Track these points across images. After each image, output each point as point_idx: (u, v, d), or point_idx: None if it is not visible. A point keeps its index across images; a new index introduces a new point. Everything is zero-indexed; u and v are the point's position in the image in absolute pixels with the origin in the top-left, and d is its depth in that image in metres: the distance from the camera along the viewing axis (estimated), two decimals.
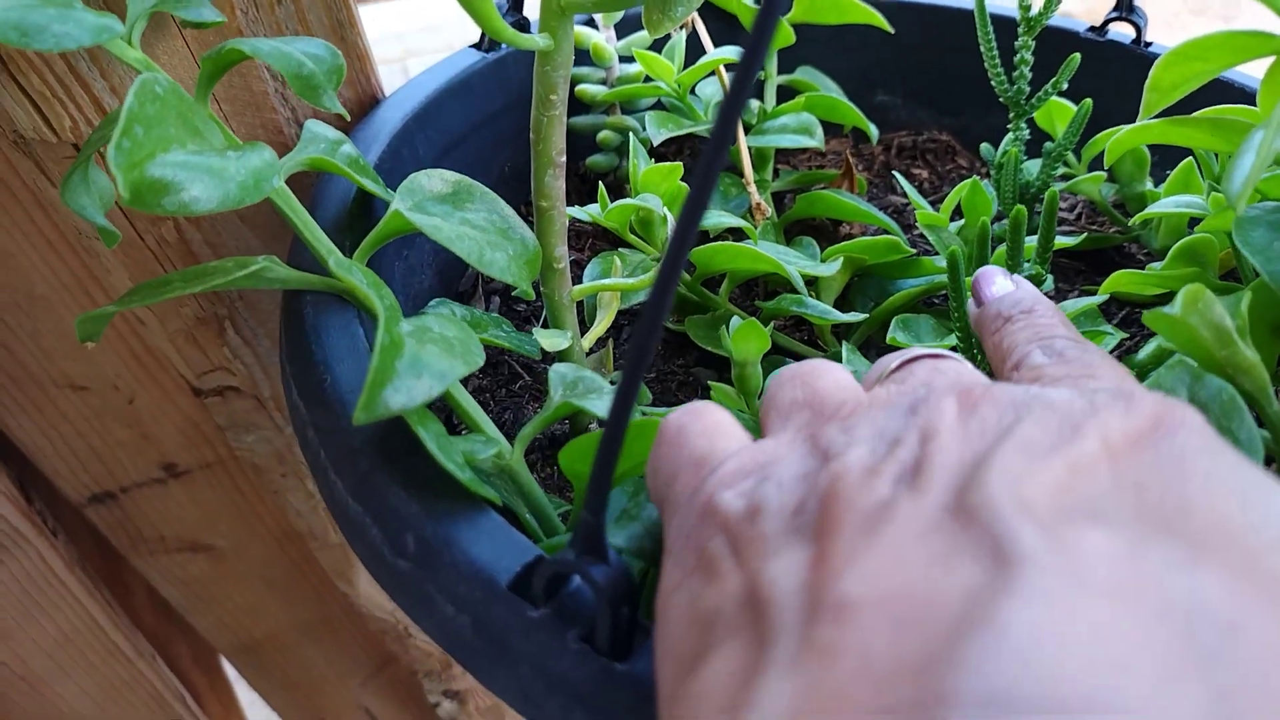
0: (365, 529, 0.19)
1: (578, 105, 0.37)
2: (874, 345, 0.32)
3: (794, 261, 0.30)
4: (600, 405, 0.22)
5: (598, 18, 0.36)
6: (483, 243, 0.23)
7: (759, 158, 0.36)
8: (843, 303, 0.33)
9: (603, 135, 0.32)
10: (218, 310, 0.40)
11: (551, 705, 0.17)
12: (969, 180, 0.32)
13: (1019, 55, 0.34)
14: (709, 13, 0.39)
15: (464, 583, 0.17)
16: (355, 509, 0.19)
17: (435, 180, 0.24)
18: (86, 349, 0.43)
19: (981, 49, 0.34)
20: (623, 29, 0.38)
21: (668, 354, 0.31)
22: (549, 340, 0.23)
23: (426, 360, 0.18)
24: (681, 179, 0.29)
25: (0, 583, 0.47)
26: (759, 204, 0.33)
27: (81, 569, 0.52)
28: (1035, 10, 0.34)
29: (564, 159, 0.25)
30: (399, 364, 0.17)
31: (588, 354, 0.28)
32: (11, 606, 0.48)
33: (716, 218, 0.32)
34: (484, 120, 0.34)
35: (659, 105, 0.37)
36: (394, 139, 0.30)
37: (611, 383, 0.27)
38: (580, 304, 0.31)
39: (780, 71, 0.40)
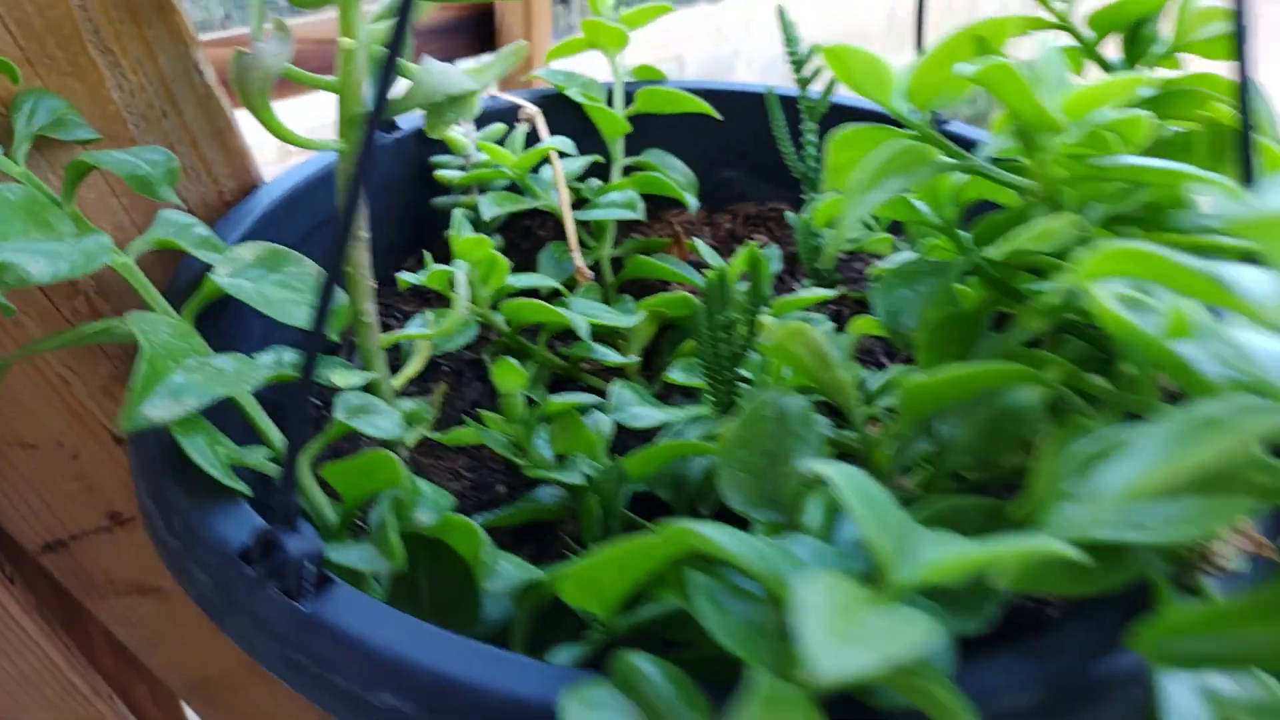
0: (154, 519, 0.24)
1: (440, 188, 0.43)
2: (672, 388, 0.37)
3: (597, 315, 0.36)
4: (370, 427, 0.27)
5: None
6: (292, 299, 0.29)
7: (598, 228, 0.42)
8: (653, 349, 0.38)
9: (456, 214, 0.38)
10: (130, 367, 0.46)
11: (259, 642, 0.21)
12: (749, 246, 0.37)
13: (805, 136, 0.40)
14: (558, 107, 0.46)
15: (209, 553, 0.23)
16: (149, 504, 0.25)
17: (248, 250, 0.29)
18: (33, 411, 0.49)
19: (775, 134, 0.40)
20: (483, 122, 0.44)
21: (462, 387, 0.36)
22: (339, 377, 0.29)
23: (188, 384, 0.23)
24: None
25: None
26: (579, 268, 0.38)
27: (39, 613, 0.57)
28: (816, 97, 0.39)
29: (367, 235, 0.31)
30: (158, 388, 0.23)
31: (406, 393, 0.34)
32: None
33: (540, 280, 0.38)
34: (374, 186, 0.40)
35: (513, 186, 0.43)
36: (259, 221, 0.36)
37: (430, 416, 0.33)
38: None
39: (632, 153, 0.46)
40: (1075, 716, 0.20)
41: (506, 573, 0.24)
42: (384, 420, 0.28)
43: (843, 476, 0.17)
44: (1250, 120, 0.26)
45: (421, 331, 0.32)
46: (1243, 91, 0.22)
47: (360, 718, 0.20)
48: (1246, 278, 0.15)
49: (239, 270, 0.29)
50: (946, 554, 0.16)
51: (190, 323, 0.28)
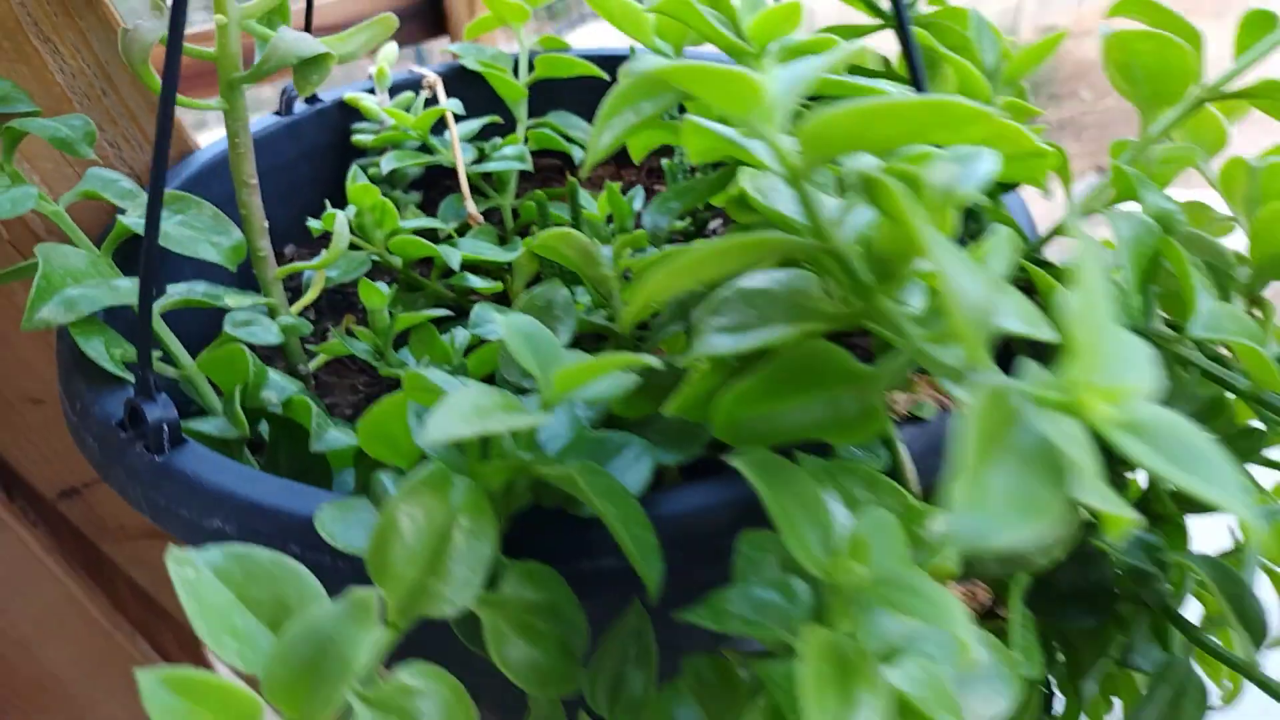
0: (64, 404, 0.31)
1: (361, 153, 0.49)
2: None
3: (480, 252, 0.41)
4: (252, 336, 0.33)
5: (374, 84, 0.48)
6: (192, 236, 0.35)
7: (500, 181, 0.48)
8: (534, 283, 0.44)
9: (353, 168, 0.44)
10: None
11: (130, 487, 0.27)
12: (610, 187, 0.42)
13: None
14: (474, 79, 0.51)
15: (96, 424, 0.29)
16: (61, 393, 0.31)
17: None
18: (38, 369, 0.56)
19: None
20: (398, 92, 0.50)
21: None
22: (231, 299, 0.35)
23: (81, 297, 0.29)
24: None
25: None
26: (471, 214, 0.44)
27: (60, 553, 0.64)
28: None
29: (255, 181, 0.37)
30: (54, 297, 0.29)
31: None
32: (1, 583, 0.61)
33: (428, 223, 0.43)
34: (277, 167, 0.46)
35: (423, 148, 0.48)
36: (187, 181, 0.42)
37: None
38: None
39: (535, 115, 0.51)
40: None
41: (332, 437, 0.29)
42: (264, 331, 0.33)
43: (509, 323, 0.22)
44: (953, 42, 0.31)
45: (304, 264, 0.38)
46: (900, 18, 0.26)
47: (196, 539, 0.26)
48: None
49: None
50: (569, 366, 0.21)
51: (108, 259, 0.34)
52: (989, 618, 0.28)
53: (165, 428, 0.27)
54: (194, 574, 0.19)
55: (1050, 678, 0.30)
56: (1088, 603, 0.30)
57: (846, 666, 0.18)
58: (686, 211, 0.45)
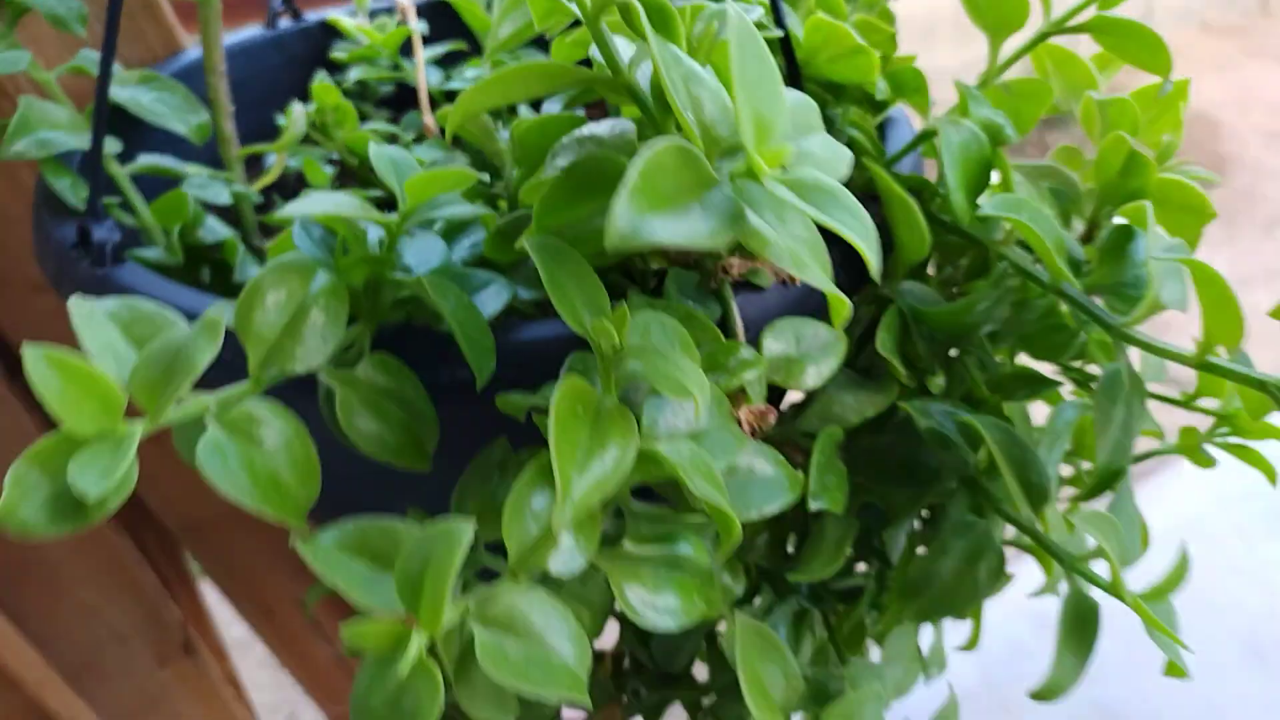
0: (35, 237, 0.36)
1: (339, 69, 0.53)
2: None
3: (427, 156, 0.46)
4: (206, 195, 0.38)
5: (353, 6, 0.53)
6: (169, 115, 0.40)
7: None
8: None
9: (318, 74, 0.48)
10: None
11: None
12: None
13: None
14: (442, 10, 0.56)
15: (56, 248, 0.33)
16: (33, 231, 0.36)
17: (134, 75, 0.40)
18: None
19: None
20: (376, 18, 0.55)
21: None
22: (193, 169, 0.39)
23: (54, 138, 0.34)
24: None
25: None
26: (426, 124, 0.49)
27: (41, 415, 0.69)
28: None
29: (223, 69, 0.41)
30: (26, 135, 0.34)
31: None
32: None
33: (392, 129, 0.48)
34: (259, 74, 0.51)
35: (396, 67, 0.53)
36: (173, 74, 0.47)
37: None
38: None
39: None
40: None
41: (250, 271, 0.34)
42: (216, 193, 0.38)
43: (379, 153, 0.27)
44: None
45: (265, 145, 0.42)
46: None
47: None
48: None
49: (124, 86, 0.40)
50: (418, 175, 0.25)
51: (85, 120, 0.39)
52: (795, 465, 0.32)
53: (109, 246, 0.32)
54: (90, 311, 0.23)
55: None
56: (906, 472, 0.33)
57: (600, 415, 0.23)
58: None
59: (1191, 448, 0.38)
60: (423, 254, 0.29)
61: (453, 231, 0.31)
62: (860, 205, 0.20)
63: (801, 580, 0.32)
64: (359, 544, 0.23)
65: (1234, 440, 0.38)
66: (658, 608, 0.25)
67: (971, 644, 0.41)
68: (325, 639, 0.93)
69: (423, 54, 0.50)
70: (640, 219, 0.18)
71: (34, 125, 0.34)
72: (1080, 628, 0.29)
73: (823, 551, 0.32)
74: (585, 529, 0.24)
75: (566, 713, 0.43)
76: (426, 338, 0.29)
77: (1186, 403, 0.37)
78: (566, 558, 0.23)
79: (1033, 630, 1.51)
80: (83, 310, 0.23)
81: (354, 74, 0.49)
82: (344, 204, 0.24)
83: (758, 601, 0.35)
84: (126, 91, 0.39)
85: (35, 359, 0.20)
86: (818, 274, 0.21)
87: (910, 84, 0.36)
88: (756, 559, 0.34)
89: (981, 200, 0.30)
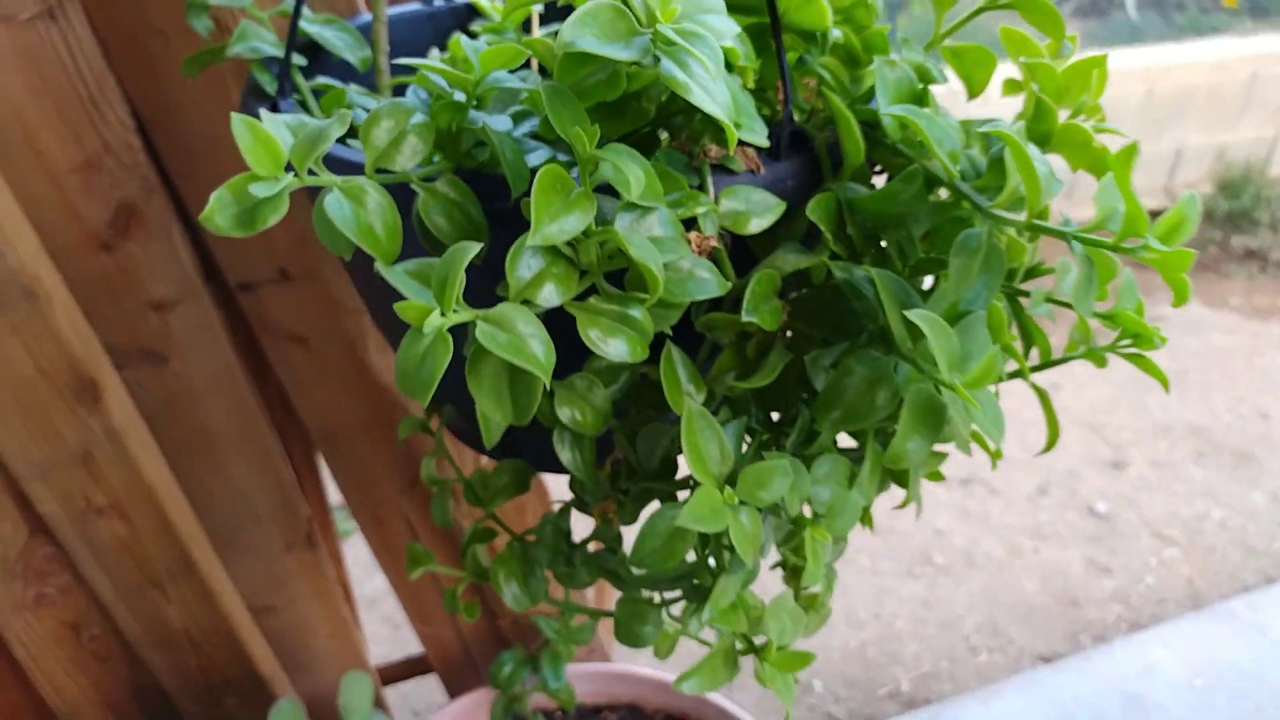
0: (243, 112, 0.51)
1: None
2: None
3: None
4: (360, 102, 0.53)
5: None
6: (344, 48, 0.55)
7: None
8: None
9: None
10: None
11: None
12: None
13: None
14: None
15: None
16: (240, 107, 0.51)
17: (323, 18, 0.55)
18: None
19: None
20: None
21: None
22: (354, 88, 0.54)
23: (256, 45, 0.49)
24: None
25: (183, 317, 0.82)
26: None
27: (231, 333, 0.86)
28: None
29: (385, 19, 0.56)
30: (241, 42, 0.49)
31: None
32: (184, 337, 0.83)
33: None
34: (412, 42, 0.66)
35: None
36: (360, 27, 0.62)
37: None
38: None
39: None
40: None
41: None
42: (367, 103, 0.53)
43: (465, 44, 0.40)
44: None
45: (411, 76, 0.57)
46: None
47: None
48: None
49: (312, 24, 0.55)
50: (486, 51, 0.38)
51: (284, 43, 0.54)
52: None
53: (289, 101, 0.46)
54: (273, 117, 0.37)
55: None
56: (834, 320, 0.44)
57: (572, 193, 0.35)
58: None
59: (1092, 353, 0.47)
60: (494, 122, 0.42)
61: (519, 118, 0.44)
62: (721, 54, 0.32)
63: (741, 386, 0.42)
64: (418, 272, 0.36)
65: (1130, 349, 0.47)
66: (608, 346, 0.36)
67: (903, 504, 0.50)
68: None
69: (538, 29, 0.64)
70: (579, 36, 0.30)
71: (249, 38, 0.50)
72: (928, 414, 0.38)
73: (763, 369, 0.42)
74: (563, 281, 0.36)
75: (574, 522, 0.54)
76: (489, 179, 0.41)
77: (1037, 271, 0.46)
78: (547, 294, 0.35)
79: (1123, 710, 1.51)
80: (269, 116, 0.37)
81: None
82: (438, 69, 0.37)
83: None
84: (314, 27, 0.55)
85: (238, 122, 0.34)
86: (713, 107, 0.33)
87: (879, 47, 0.47)
88: (721, 389, 0.45)
89: (895, 108, 0.41)
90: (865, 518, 0.60)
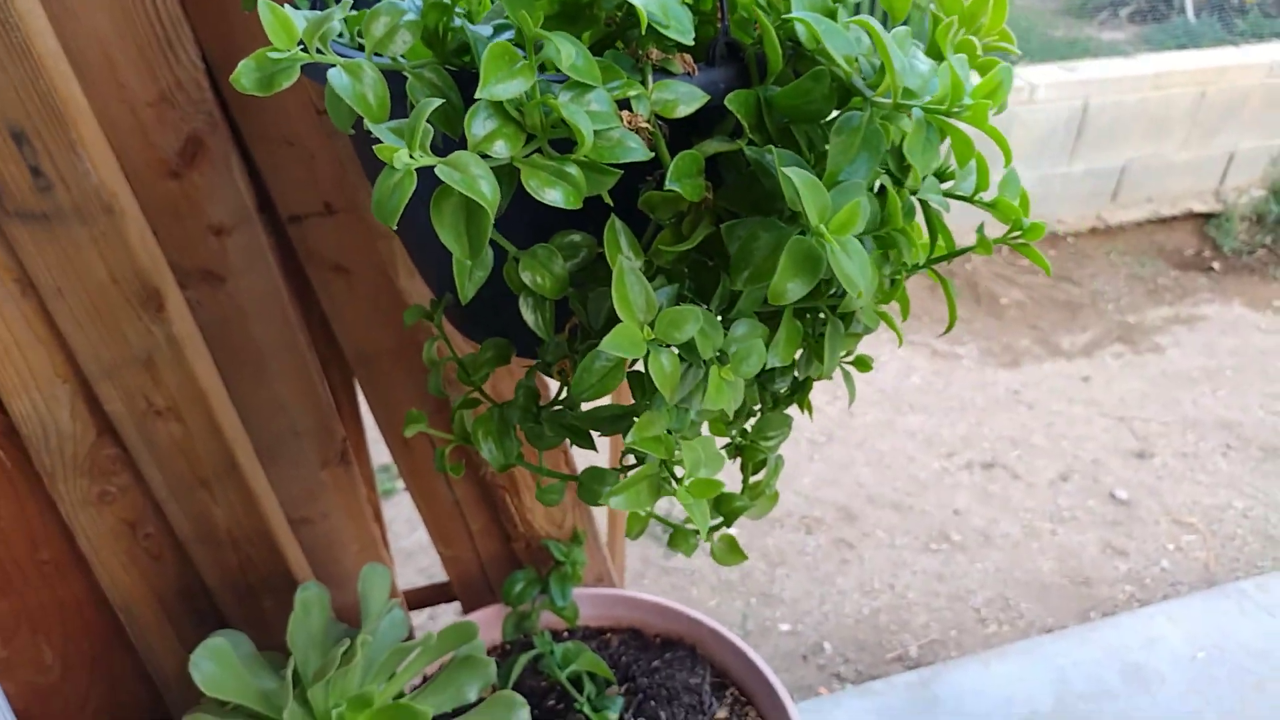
0: None
1: None
2: None
3: None
4: None
5: None
6: None
7: None
8: None
9: None
10: None
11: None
12: None
13: None
14: None
15: None
16: None
17: None
18: (293, 116, 0.89)
19: None
20: None
21: None
22: None
23: None
24: None
25: (238, 242, 0.94)
26: None
27: (279, 259, 0.97)
28: None
29: None
30: None
31: None
32: (238, 260, 0.95)
33: None
34: None
35: None
36: None
37: None
38: None
39: None
40: None
41: None
42: None
43: None
44: None
45: None
46: None
47: None
48: None
49: None
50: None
51: None
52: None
53: None
54: (290, 8, 0.47)
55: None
56: (752, 198, 0.52)
57: (518, 64, 0.44)
58: None
59: (982, 242, 0.55)
60: (478, 29, 0.51)
61: (500, 29, 0.53)
62: None
63: (669, 249, 0.51)
64: (396, 128, 0.45)
65: (1019, 240, 0.54)
66: (546, 194, 0.45)
67: (821, 375, 0.58)
68: (449, 484, 1.17)
69: None
70: None
71: None
72: (804, 260, 0.46)
73: (690, 238, 0.51)
74: (511, 140, 0.45)
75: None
76: (470, 76, 0.51)
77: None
78: (499, 149, 0.45)
79: (1123, 679, 1.56)
80: (288, 7, 0.47)
81: None
82: None
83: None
84: None
85: (264, 6, 0.44)
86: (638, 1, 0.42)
87: None
88: (659, 260, 0.54)
89: (799, 12, 0.49)
90: (804, 402, 0.69)
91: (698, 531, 0.67)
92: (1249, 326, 2.60)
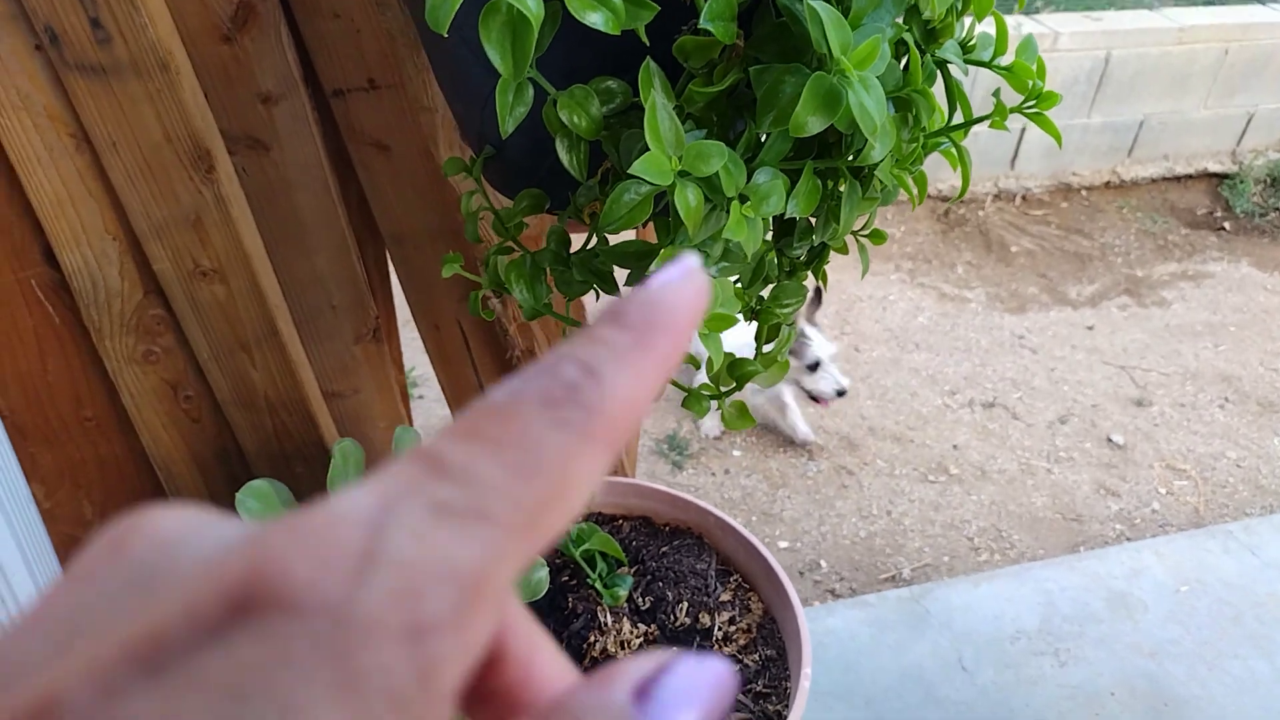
0: None
1: None
2: None
3: None
4: None
5: None
6: None
7: None
8: None
9: None
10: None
11: None
12: None
13: None
14: None
15: None
16: None
17: None
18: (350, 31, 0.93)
19: None
20: None
21: None
22: None
23: None
24: None
25: (284, 111, 0.98)
26: None
27: (321, 132, 1.02)
28: None
29: None
30: None
31: None
32: (284, 129, 0.99)
33: None
34: None
35: None
36: None
37: None
38: None
39: None
40: None
41: None
42: None
43: None
44: None
45: None
46: None
47: None
48: None
49: None
50: None
51: None
52: None
53: None
54: None
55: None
56: (781, 46, 0.56)
57: None
58: None
59: (999, 110, 0.59)
60: None
61: None
62: None
63: (701, 91, 0.56)
64: None
65: (1033, 109, 0.59)
66: (588, 17, 0.50)
67: (837, 239, 0.63)
68: (474, 369, 1.23)
69: None
70: None
71: None
72: (824, 96, 0.51)
73: (720, 82, 0.56)
74: None
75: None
76: None
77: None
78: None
79: (1107, 605, 1.62)
80: None
81: None
82: None
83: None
84: None
85: None
86: None
87: None
88: (690, 107, 0.58)
89: None
90: (819, 270, 0.74)
91: (710, 396, 0.72)
92: (1255, 286, 2.63)
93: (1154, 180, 2.93)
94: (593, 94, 0.57)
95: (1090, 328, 2.46)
